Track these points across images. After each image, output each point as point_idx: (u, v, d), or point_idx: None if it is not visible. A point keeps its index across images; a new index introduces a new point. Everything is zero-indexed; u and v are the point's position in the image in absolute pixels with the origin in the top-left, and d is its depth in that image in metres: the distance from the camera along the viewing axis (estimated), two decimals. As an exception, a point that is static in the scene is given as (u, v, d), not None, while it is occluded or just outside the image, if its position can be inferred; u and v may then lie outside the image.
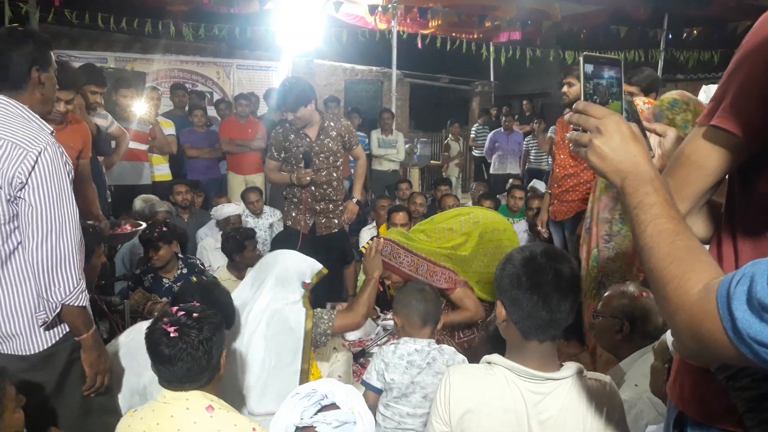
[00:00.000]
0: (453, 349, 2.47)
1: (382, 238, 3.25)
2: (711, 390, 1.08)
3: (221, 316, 1.92)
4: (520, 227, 5.43)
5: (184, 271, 3.87)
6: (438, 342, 3.16)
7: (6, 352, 1.94)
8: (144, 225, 3.41)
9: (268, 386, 2.40)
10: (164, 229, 3.74)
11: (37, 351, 1.95)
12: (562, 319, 1.51)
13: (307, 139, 3.92)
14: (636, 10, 9.41)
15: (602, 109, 1.04)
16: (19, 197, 1.83)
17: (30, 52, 1.95)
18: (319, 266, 2.73)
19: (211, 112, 7.47)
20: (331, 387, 1.49)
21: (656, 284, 0.89)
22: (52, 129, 1.97)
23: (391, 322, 3.59)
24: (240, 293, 2.63)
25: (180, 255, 3.98)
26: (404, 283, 3.17)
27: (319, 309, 2.54)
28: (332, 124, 4.00)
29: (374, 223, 5.20)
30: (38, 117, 1.95)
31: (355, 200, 4.27)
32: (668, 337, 1.80)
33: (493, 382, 1.54)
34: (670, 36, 10.52)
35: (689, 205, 1.10)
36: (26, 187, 1.82)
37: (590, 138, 1.03)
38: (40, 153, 1.83)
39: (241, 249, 4.22)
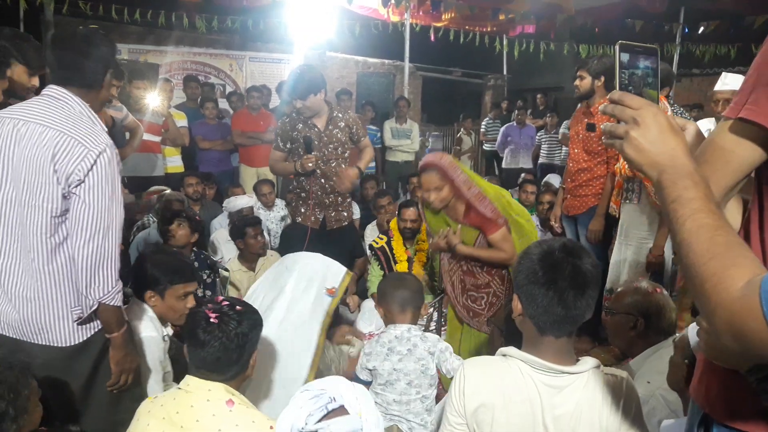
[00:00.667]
0: (436, 336, 2.52)
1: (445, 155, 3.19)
2: (739, 392, 1.06)
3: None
4: (532, 222, 5.40)
5: (195, 264, 3.86)
6: (465, 295, 3.13)
7: (43, 343, 1.96)
8: (167, 190, 3.36)
9: (273, 396, 2.38)
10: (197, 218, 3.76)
11: (73, 343, 1.98)
12: (579, 315, 1.49)
13: (315, 129, 3.88)
14: (651, 3, 9.30)
15: (639, 99, 1.00)
16: (74, 193, 1.86)
17: (107, 53, 2.01)
18: (343, 270, 2.63)
19: (223, 104, 7.49)
20: (340, 389, 1.46)
21: (695, 281, 0.85)
22: (107, 129, 2.02)
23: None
24: (257, 296, 2.57)
25: (194, 249, 3.99)
26: (449, 202, 3.09)
27: (329, 349, 2.43)
28: (340, 115, 3.96)
29: (375, 222, 5.18)
30: (97, 117, 1.99)
31: (355, 168, 4.04)
32: (691, 333, 1.78)
33: (509, 374, 1.53)
34: (686, 30, 10.40)
35: None
36: (83, 184, 1.85)
37: (626, 129, 0.99)
38: (100, 153, 1.87)
39: (241, 235, 4.23)
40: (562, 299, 1.46)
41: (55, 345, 1.96)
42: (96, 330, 2.02)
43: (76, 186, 1.85)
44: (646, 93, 1.05)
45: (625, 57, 1.05)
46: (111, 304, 1.94)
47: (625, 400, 1.51)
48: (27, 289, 1.93)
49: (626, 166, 3.52)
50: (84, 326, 1.99)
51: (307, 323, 2.42)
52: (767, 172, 1.05)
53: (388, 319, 2.50)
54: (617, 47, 1.06)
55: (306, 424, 1.39)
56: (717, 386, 1.11)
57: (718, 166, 1.05)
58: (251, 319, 1.84)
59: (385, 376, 2.38)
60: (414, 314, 2.50)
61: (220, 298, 1.87)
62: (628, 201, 3.63)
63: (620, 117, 1.00)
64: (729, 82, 3.64)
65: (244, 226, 4.23)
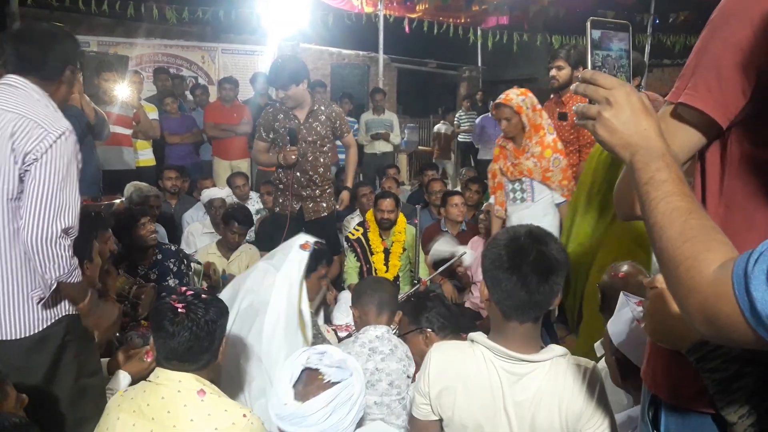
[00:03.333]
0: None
1: None
2: (682, 372, 1.09)
3: None
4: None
5: (159, 256, 3.82)
6: None
7: (1, 338, 1.93)
8: (120, 199, 3.35)
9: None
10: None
11: (31, 333, 1.95)
12: (543, 300, 1.50)
13: (296, 121, 3.86)
14: (623, -7, 9.42)
15: (612, 79, 0.97)
16: (27, 170, 1.87)
17: (69, 50, 2.10)
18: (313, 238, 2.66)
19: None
20: (330, 347, 1.67)
21: (667, 265, 0.85)
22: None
23: None
24: (254, 281, 2.60)
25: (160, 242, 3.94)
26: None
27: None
28: (322, 108, 3.94)
29: (358, 211, 5.18)
30: (56, 106, 2.02)
31: (346, 191, 4.22)
32: (610, 329, 1.84)
33: (472, 360, 1.56)
34: (657, 20, 10.54)
35: None
36: (37, 162, 1.86)
37: (599, 110, 0.96)
38: (59, 136, 1.89)
39: (226, 222, 4.21)
40: (525, 284, 1.47)
41: (13, 338, 1.93)
42: (54, 320, 2.00)
43: (30, 164, 1.86)
44: (619, 73, 1.03)
45: (597, 34, 1.03)
46: (70, 281, 1.94)
47: (588, 388, 1.52)
48: None
49: (511, 169, 3.55)
50: (43, 314, 1.97)
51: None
52: (708, 155, 1.07)
53: (363, 321, 2.48)
54: (588, 24, 1.02)
55: (308, 359, 1.59)
56: (662, 367, 1.14)
57: None
58: (217, 306, 1.83)
59: (367, 376, 2.33)
60: (389, 318, 2.50)
61: (184, 288, 1.86)
62: (518, 201, 3.62)
63: (592, 97, 0.98)
64: None
65: (233, 217, 4.22)
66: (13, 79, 1.97)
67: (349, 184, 4.26)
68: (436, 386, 1.57)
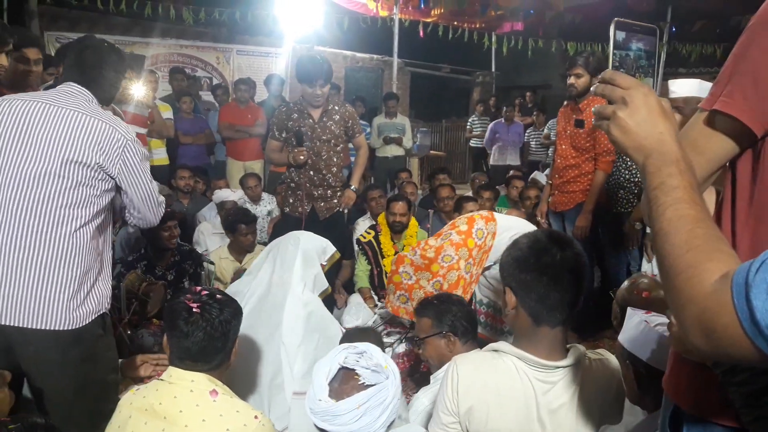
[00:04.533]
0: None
1: None
2: (707, 384, 1.06)
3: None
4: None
5: (177, 258, 3.82)
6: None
7: (41, 327, 1.95)
8: None
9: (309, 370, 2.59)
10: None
11: (73, 327, 1.99)
12: (573, 300, 1.49)
13: (310, 120, 3.87)
14: (639, 1, 9.36)
15: (630, 79, 0.95)
16: (114, 172, 2.04)
17: (123, 74, 2.24)
18: (332, 249, 2.98)
19: (207, 97, 7.37)
20: (370, 347, 1.65)
21: (668, 273, 0.82)
22: None
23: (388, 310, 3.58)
24: (263, 275, 2.94)
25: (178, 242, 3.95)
26: None
27: None
28: (336, 107, 3.95)
29: (369, 214, 5.17)
30: None
31: (352, 188, 4.19)
32: (621, 338, 1.82)
33: (503, 371, 1.51)
34: (674, 29, 10.47)
35: None
36: (126, 161, 2.05)
37: (614, 110, 0.93)
38: (130, 139, 2.09)
39: (233, 230, 4.20)
40: (558, 283, 1.46)
41: (55, 329, 1.95)
42: (95, 316, 2.04)
43: (117, 165, 2.04)
44: (638, 73, 1.02)
45: (621, 36, 1.01)
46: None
47: (617, 379, 1.55)
48: (33, 264, 1.93)
49: None
50: (84, 310, 2.01)
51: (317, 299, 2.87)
52: (740, 164, 1.04)
53: None
54: (612, 25, 1.00)
55: (346, 357, 1.59)
56: (686, 379, 1.12)
57: (692, 157, 1.01)
58: (232, 307, 1.83)
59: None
60: None
61: (198, 288, 1.86)
62: None
63: (610, 97, 0.95)
64: (675, 89, 3.59)
65: (237, 221, 4.20)
66: (75, 87, 2.08)
67: (354, 183, 4.18)
68: (466, 402, 1.51)
